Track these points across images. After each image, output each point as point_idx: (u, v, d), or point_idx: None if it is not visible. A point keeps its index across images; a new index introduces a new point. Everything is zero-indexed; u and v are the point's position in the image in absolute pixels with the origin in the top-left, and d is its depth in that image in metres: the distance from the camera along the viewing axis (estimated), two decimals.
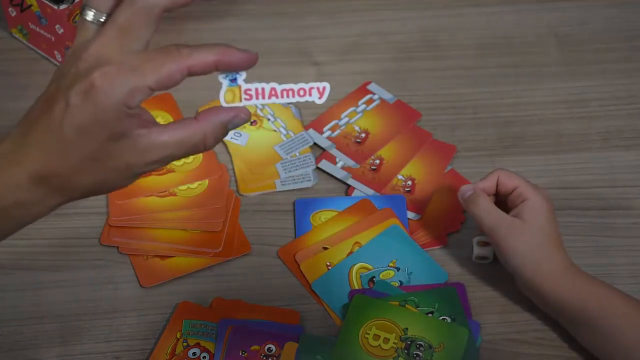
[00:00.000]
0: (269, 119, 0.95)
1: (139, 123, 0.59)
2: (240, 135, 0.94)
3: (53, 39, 0.97)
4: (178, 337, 0.78)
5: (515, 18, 1.09)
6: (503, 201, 0.82)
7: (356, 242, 0.85)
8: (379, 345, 0.77)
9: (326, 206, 0.88)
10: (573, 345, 0.78)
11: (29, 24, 0.99)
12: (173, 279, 0.82)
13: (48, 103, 0.61)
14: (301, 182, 0.90)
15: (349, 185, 0.90)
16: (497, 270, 0.84)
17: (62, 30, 0.95)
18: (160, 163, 0.61)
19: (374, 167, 0.91)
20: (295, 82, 0.66)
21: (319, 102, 0.65)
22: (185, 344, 0.77)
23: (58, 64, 1.00)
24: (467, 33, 1.07)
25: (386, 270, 0.83)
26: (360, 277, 0.83)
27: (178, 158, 0.62)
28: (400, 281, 0.82)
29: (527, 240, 0.77)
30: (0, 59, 1.02)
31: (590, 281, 0.77)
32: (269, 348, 0.77)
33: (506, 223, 0.78)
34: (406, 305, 0.80)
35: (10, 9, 1.00)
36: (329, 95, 1.01)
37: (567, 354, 0.78)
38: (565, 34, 1.07)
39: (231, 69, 0.62)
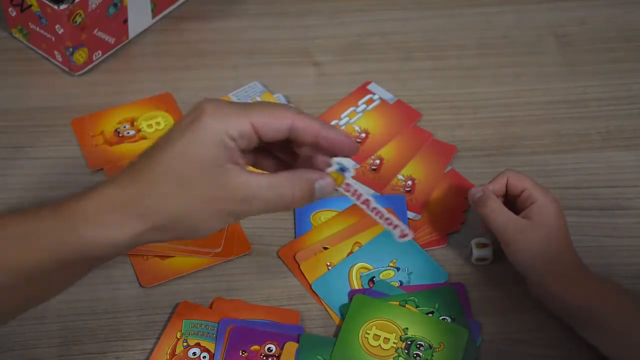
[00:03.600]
0: None
1: (233, 159, 0.62)
2: None
3: (53, 39, 0.97)
4: (178, 337, 0.78)
5: (515, 18, 1.09)
6: (512, 202, 0.82)
7: (356, 242, 0.85)
8: (379, 345, 0.77)
9: (326, 206, 0.88)
10: (573, 345, 0.78)
11: (29, 24, 0.99)
12: (173, 279, 0.82)
13: (167, 132, 0.64)
14: None
15: None
16: (497, 270, 0.84)
17: (62, 30, 0.95)
18: (247, 204, 0.62)
19: (374, 167, 0.91)
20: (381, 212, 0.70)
21: (399, 240, 0.71)
22: (185, 344, 0.77)
23: (58, 63, 1.00)
24: (467, 33, 1.07)
25: (386, 270, 0.83)
26: (360, 277, 0.83)
27: (267, 205, 0.63)
28: (400, 281, 0.82)
29: (537, 240, 0.77)
30: (0, 59, 1.02)
31: (601, 281, 0.77)
32: (269, 348, 0.77)
33: (516, 224, 0.78)
34: (406, 305, 0.80)
35: (10, 9, 1.00)
36: (329, 96, 1.02)
37: (567, 353, 0.78)
38: (565, 34, 1.07)
39: (330, 146, 0.65)
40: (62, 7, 0.93)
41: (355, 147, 0.66)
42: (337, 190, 0.67)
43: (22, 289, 0.63)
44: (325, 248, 0.85)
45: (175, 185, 0.61)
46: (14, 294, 0.64)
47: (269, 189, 0.63)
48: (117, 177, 0.63)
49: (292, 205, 0.64)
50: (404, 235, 0.70)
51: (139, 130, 0.94)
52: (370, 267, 0.83)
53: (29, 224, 0.62)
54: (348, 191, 0.69)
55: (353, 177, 0.68)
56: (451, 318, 0.79)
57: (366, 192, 0.72)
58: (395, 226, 0.70)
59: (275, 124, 0.63)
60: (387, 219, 0.70)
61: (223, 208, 0.62)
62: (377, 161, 0.92)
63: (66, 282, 0.66)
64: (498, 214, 0.79)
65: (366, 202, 0.69)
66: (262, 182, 0.63)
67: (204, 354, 0.77)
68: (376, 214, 0.70)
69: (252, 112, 0.62)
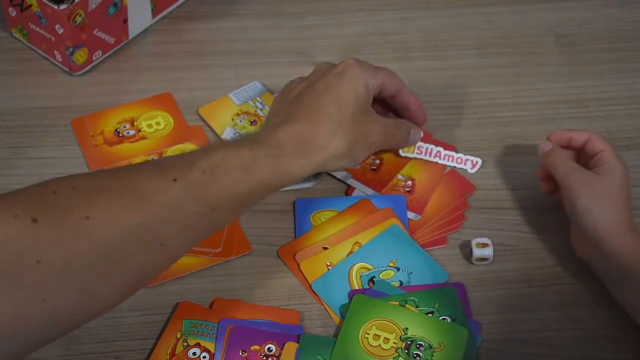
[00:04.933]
0: None
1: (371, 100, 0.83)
2: (241, 135, 0.94)
3: (53, 39, 0.97)
4: (178, 337, 0.78)
5: (515, 18, 1.09)
6: (585, 163, 0.83)
7: (356, 242, 0.85)
8: (379, 345, 0.77)
9: (326, 206, 0.88)
10: (573, 345, 0.78)
11: (29, 24, 0.99)
12: (173, 278, 0.82)
13: (318, 81, 0.81)
14: (301, 182, 0.90)
15: (349, 185, 0.90)
16: (497, 270, 0.84)
17: (62, 30, 0.95)
18: (384, 135, 0.84)
19: (374, 167, 0.91)
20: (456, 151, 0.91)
21: (471, 171, 0.90)
22: (185, 344, 0.77)
23: (58, 64, 1.00)
24: (467, 33, 1.07)
25: (386, 270, 0.83)
26: (360, 277, 0.83)
27: (389, 138, 0.86)
28: (400, 281, 0.82)
29: (599, 189, 0.79)
30: (0, 59, 1.02)
31: None
32: (269, 348, 0.77)
33: (583, 174, 0.81)
34: (406, 305, 0.80)
35: (10, 9, 1.00)
36: None
37: (567, 354, 0.78)
38: (565, 34, 1.07)
39: (415, 110, 0.90)
40: (62, 7, 0.93)
41: (424, 119, 0.91)
42: (411, 156, 0.90)
43: (223, 214, 0.70)
44: (325, 248, 0.85)
45: (345, 120, 0.78)
46: (220, 217, 0.70)
47: (394, 125, 0.87)
48: (287, 117, 0.77)
49: (398, 142, 0.88)
50: (474, 164, 0.90)
51: (139, 130, 0.94)
52: (370, 267, 0.83)
53: (244, 150, 0.72)
54: (421, 152, 0.90)
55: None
56: (451, 318, 0.79)
57: (433, 146, 0.91)
58: (466, 160, 0.90)
59: (394, 84, 0.85)
60: (458, 158, 0.90)
61: (371, 138, 0.82)
62: (377, 161, 0.92)
63: (239, 213, 0.75)
64: (565, 161, 0.82)
65: (437, 154, 0.90)
66: (387, 119, 0.86)
67: (204, 354, 0.77)
68: (448, 159, 0.90)
69: (381, 71, 0.84)
